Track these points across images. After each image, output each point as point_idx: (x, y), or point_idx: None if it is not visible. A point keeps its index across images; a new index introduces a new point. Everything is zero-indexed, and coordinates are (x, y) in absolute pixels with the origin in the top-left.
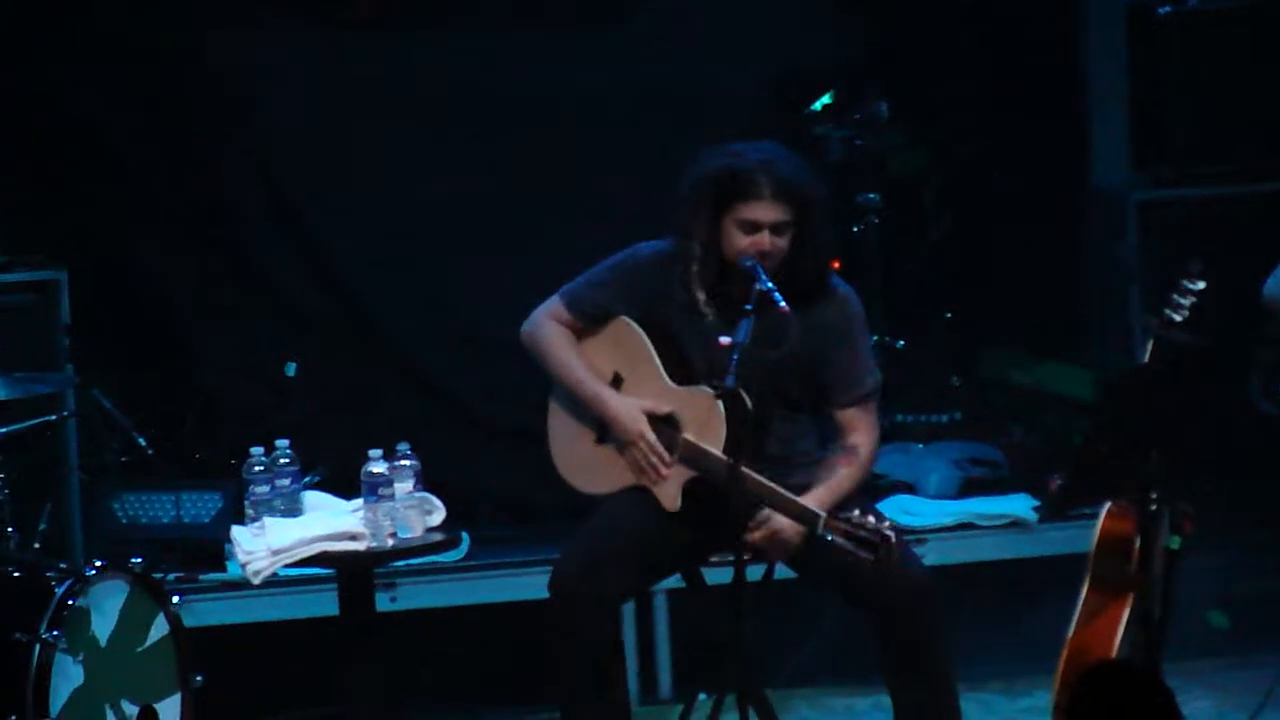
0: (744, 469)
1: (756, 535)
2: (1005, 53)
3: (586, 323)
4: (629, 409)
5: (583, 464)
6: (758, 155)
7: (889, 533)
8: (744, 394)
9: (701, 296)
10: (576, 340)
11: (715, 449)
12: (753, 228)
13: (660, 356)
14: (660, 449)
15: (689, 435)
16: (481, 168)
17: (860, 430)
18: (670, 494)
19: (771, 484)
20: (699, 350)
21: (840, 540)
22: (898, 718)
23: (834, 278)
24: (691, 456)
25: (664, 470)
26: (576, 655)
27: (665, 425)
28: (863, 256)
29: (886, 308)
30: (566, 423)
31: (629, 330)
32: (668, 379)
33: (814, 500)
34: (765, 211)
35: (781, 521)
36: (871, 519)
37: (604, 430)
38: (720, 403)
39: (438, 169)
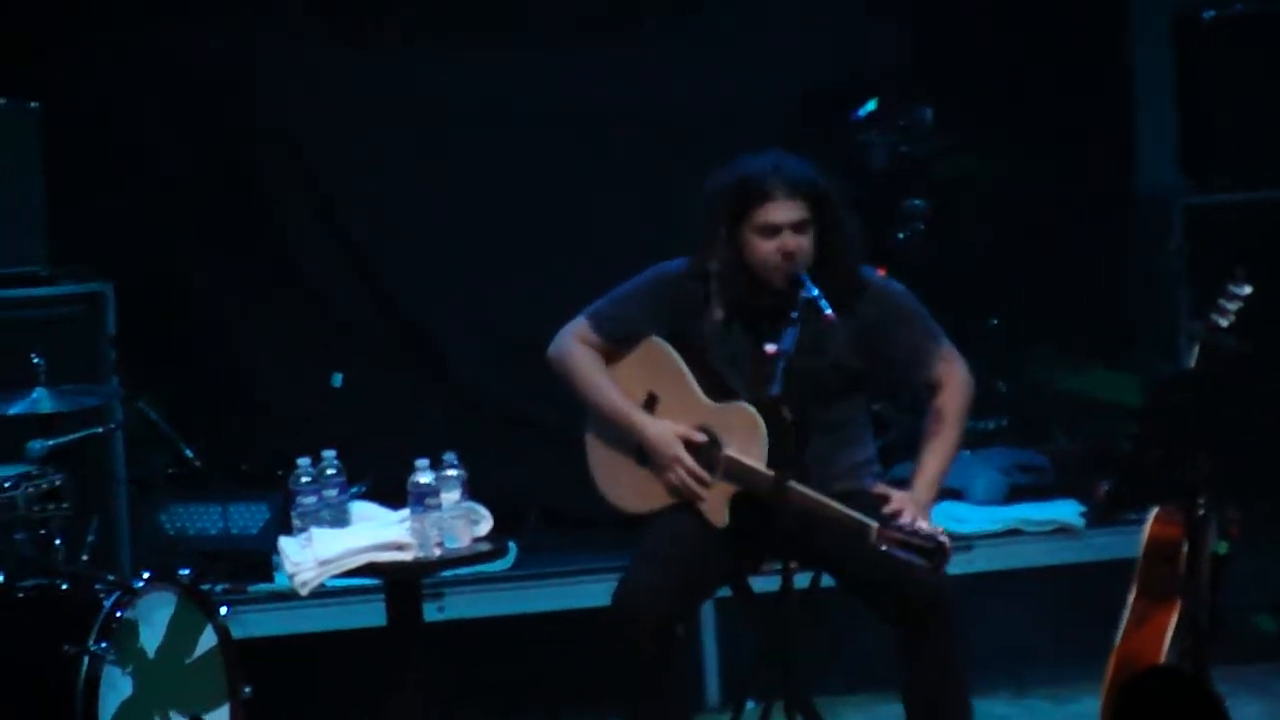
0: (789, 483)
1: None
2: (1050, 58)
3: (614, 344)
4: (664, 433)
5: (626, 485)
6: (764, 161)
7: (943, 539)
8: (783, 405)
9: (721, 314)
10: (605, 362)
11: (759, 464)
12: (773, 231)
13: (697, 373)
14: (699, 470)
15: (731, 451)
16: (528, 177)
17: (945, 380)
18: (717, 511)
19: (818, 495)
20: (730, 366)
21: (895, 550)
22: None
23: (874, 277)
24: (735, 473)
25: (702, 492)
26: (639, 678)
27: (705, 444)
28: (908, 263)
29: (932, 314)
30: (606, 445)
31: (660, 349)
32: (703, 396)
33: (918, 491)
34: (782, 212)
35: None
36: (924, 525)
37: (643, 453)
38: (761, 416)
39: (483, 179)
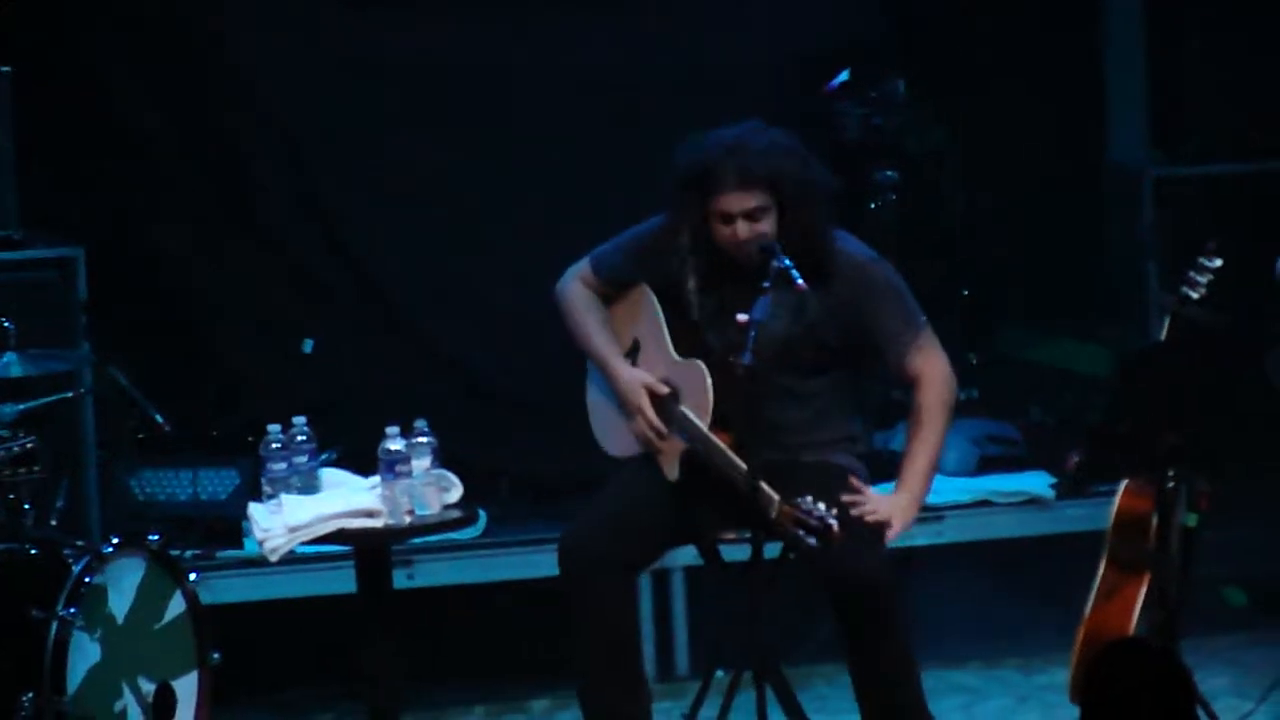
0: (714, 440)
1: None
2: (1022, 28)
3: (610, 287)
4: (632, 380)
5: (610, 426)
6: (724, 143)
7: (832, 520)
8: (752, 373)
9: (695, 283)
10: (603, 304)
11: (704, 421)
12: (728, 219)
13: (673, 328)
14: (656, 422)
15: (685, 407)
16: (499, 146)
17: (925, 375)
18: (670, 465)
19: (736, 460)
20: (710, 328)
21: (789, 527)
22: (862, 707)
23: (852, 244)
24: (684, 429)
25: (658, 443)
26: (590, 624)
27: (668, 398)
28: (880, 234)
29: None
30: (600, 386)
31: (646, 299)
32: (673, 350)
33: (910, 484)
34: (734, 202)
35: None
36: (822, 506)
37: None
38: (709, 375)
39: (455, 147)
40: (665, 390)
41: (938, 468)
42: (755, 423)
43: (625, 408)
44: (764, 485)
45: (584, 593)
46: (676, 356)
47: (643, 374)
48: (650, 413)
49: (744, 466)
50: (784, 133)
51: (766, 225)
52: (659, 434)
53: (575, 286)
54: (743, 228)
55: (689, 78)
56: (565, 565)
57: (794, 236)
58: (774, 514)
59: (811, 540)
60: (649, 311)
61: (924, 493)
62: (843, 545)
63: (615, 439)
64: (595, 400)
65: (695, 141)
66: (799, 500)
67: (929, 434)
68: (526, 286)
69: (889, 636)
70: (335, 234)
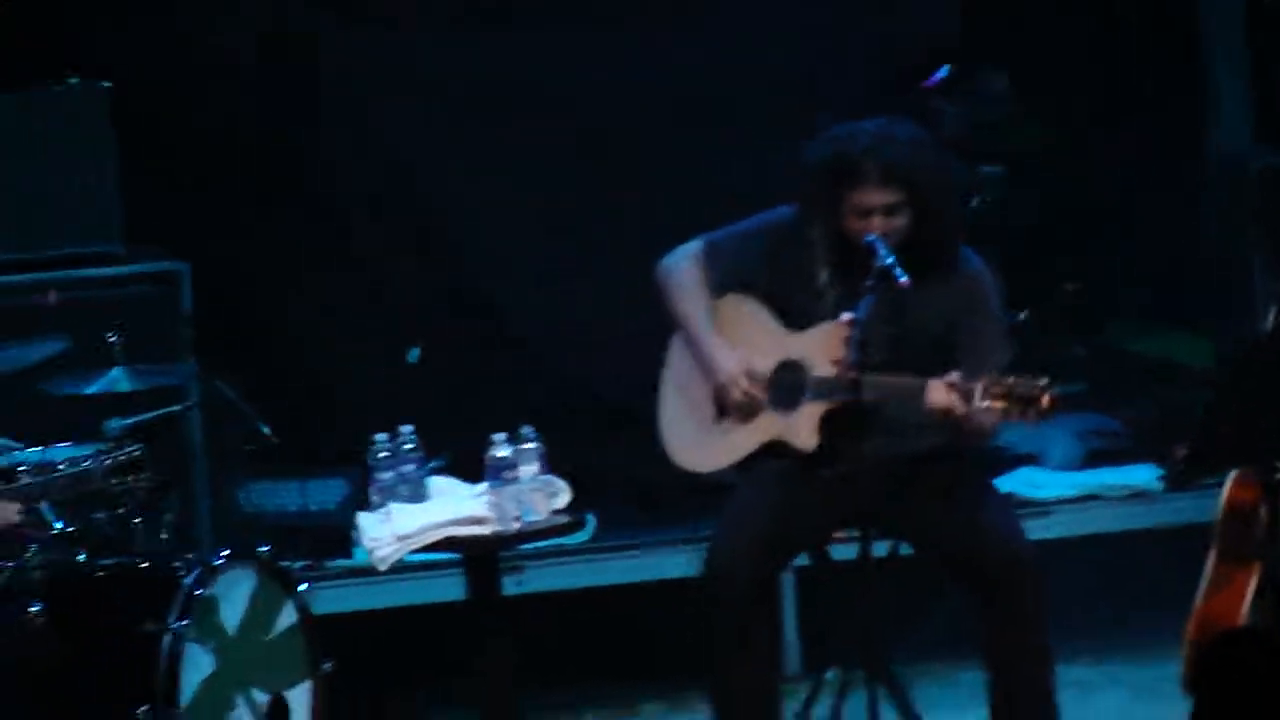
0: (864, 374)
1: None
2: (1123, 21)
3: (719, 274)
4: (730, 354)
5: (699, 442)
6: (865, 138)
7: (1044, 381)
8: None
9: (824, 275)
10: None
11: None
12: (865, 213)
13: (788, 320)
14: (752, 391)
15: (816, 373)
16: (597, 152)
17: None
18: (804, 434)
19: (904, 378)
20: (822, 317)
21: (1000, 404)
22: (993, 693)
23: (968, 253)
24: (822, 389)
25: (764, 423)
26: (732, 640)
27: (786, 370)
28: (983, 229)
29: (1008, 280)
30: (681, 399)
31: (742, 301)
32: (787, 331)
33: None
34: (874, 197)
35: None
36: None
37: (720, 409)
38: (839, 327)
39: (552, 152)
40: (782, 357)
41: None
42: (867, 422)
43: (719, 379)
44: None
45: (735, 606)
46: (793, 332)
47: (742, 353)
48: (745, 381)
49: (914, 379)
50: (923, 129)
51: (901, 221)
52: (753, 400)
53: (684, 265)
54: (879, 223)
55: (780, 76)
56: (715, 582)
57: (927, 232)
58: (979, 398)
59: (1025, 410)
60: (751, 309)
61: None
62: (998, 523)
63: (702, 451)
64: (673, 415)
65: (834, 133)
66: (997, 378)
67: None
68: (628, 290)
69: (1037, 621)
70: (437, 243)
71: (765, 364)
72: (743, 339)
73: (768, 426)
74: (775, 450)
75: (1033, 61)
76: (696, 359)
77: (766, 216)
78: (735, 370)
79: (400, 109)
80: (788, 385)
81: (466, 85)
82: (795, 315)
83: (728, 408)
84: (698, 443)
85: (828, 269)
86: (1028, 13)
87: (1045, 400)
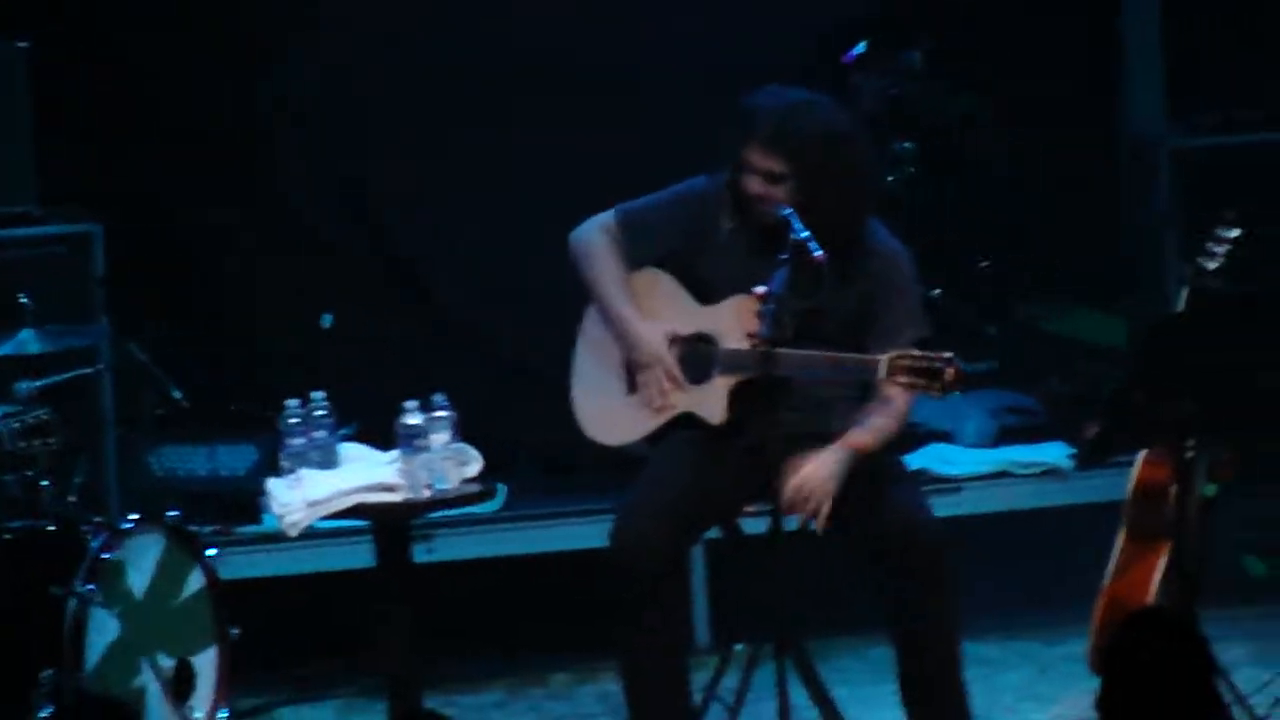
0: (776, 349)
1: (787, 491)
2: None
3: (629, 248)
4: (651, 331)
5: (610, 414)
6: (774, 101)
7: (949, 355)
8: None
9: (729, 224)
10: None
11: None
12: (750, 169)
13: (690, 289)
14: (675, 373)
15: (727, 345)
16: (522, 119)
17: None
18: (713, 408)
19: (821, 352)
20: (732, 290)
21: (907, 379)
22: (901, 668)
23: (886, 233)
24: (733, 363)
25: (672, 396)
26: (640, 611)
27: (697, 343)
28: (898, 206)
29: (921, 257)
30: (593, 371)
31: (656, 275)
32: (696, 302)
33: (849, 441)
34: (757, 157)
35: (804, 469)
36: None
37: (630, 381)
38: (750, 302)
39: (476, 121)
40: (694, 329)
41: (871, 456)
42: (776, 395)
43: (641, 358)
44: (856, 355)
45: (644, 577)
46: (704, 306)
47: (662, 324)
48: (671, 360)
49: (828, 352)
50: (844, 116)
51: (781, 192)
52: (676, 384)
53: (596, 235)
54: (756, 183)
55: (706, 50)
56: (623, 553)
57: (819, 216)
58: (884, 372)
59: (932, 383)
60: (664, 283)
61: (839, 464)
62: (902, 499)
63: (613, 423)
64: (586, 387)
65: (767, 91)
66: (904, 353)
67: (882, 423)
68: (545, 258)
69: (942, 598)
70: (357, 206)
71: (678, 335)
72: (654, 311)
73: (678, 399)
74: (686, 423)
75: (951, 38)
76: (612, 331)
77: (680, 188)
78: (660, 349)
79: (330, 70)
80: (698, 358)
81: (393, 48)
82: (706, 288)
83: (642, 382)
84: (609, 415)
85: (740, 241)
86: None
87: (949, 373)
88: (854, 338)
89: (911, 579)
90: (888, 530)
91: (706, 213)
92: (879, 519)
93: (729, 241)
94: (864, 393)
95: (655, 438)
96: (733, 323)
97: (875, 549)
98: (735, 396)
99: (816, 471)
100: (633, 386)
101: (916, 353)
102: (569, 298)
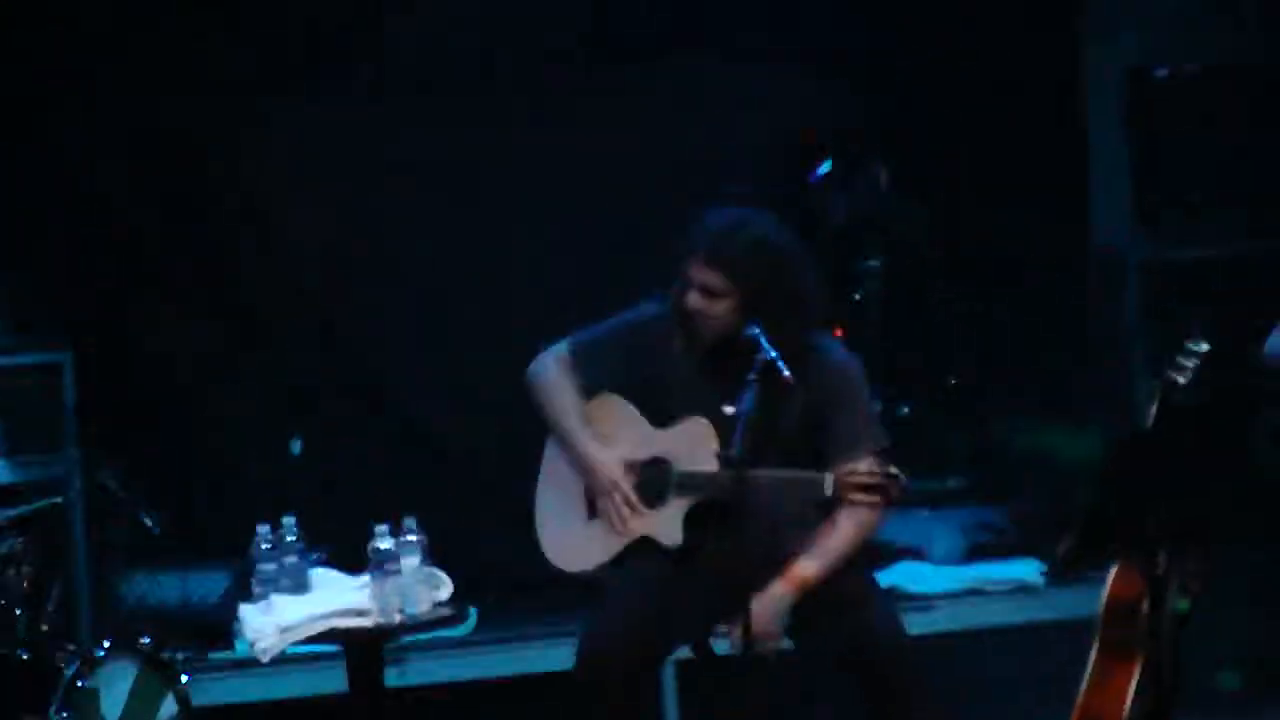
0: (740, 469)
1: (735, 637)
2: (1005, 115)
3: (584, 379)
4: (607, 458)
5: (573, 542)
6: (718, 219)
7: (894, 471)
8: (744, 467)
9: (680, 345)
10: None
11: (709, 467)
12: (690, 286)
13: (652, 412)
14: (632, 498)
15: (682, 467)
16: (490, 234)
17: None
18: (670, 531)
19: (769, 471)
20: (694, 411)
21: (854, 495)
22: None
23: (833, 345)
24: (688, 484)
25: (632, 522)
26: None
27: (652, 467)
28: (865, 322)
29: (890, 373)
30: (555, 499)
31: (614, 401)
32: (651, 426)
33: (792, 576)
34: (696, 271)
35: (752, 613)
36: (875, 465)
37: (592, 507)
38: (709, 423)
39: (450, 236)
40: (649, 454)
41: (820, 580)
42: (747, 514)
43: (598, 485)
44: (806, 472)
45: (609, 698)
46: (659, 430)
47: (618, 451)
48: (627, 487)
49: (779, 471)
50: (784, 234)
51: (720, 308)
52: (633, 508)
53: (551, 366)
54: (694, 298)
55: (680, 162)
56: (588, 673)
57: (764, 332)
58: (829, 489)
59: (877, 498)
60: (620, 409)
61: (785, 595)
62: (873, 612)
63: (576, 551)
64: (548, 516)
65: (711, 210)
66: (850, 469)
67: (833, 544)
68: (515, 378)
69: (921, 708)
70: (325, 331)
71: (634, 460)
72: (612, 436)
73: (636, 524)
74: (646, 547)
75: (915, 152)
76: (570, 460)
77: (630, 314)
78: (616, 475)
79: (283, 195)
80: (653, 481)
81: (361, 160)
82: (661, 410)
83: (601, 509)
84: (572, 542)
85: (690, 362)
86: (910, 103)
87: (894, 489)
88: (800, 452)
89: (885, 694)
90: (867, 652)
91: (657, 335)
92: (850, 636)
93: (680, 363)
94: (820, 508)
95: (617, 562)
96: (686, 445)
97: (848, 665)
98: (691, 518)
99: (761, 614)
100: (594, 513)
101: (862, 468)
102: (539, 420)
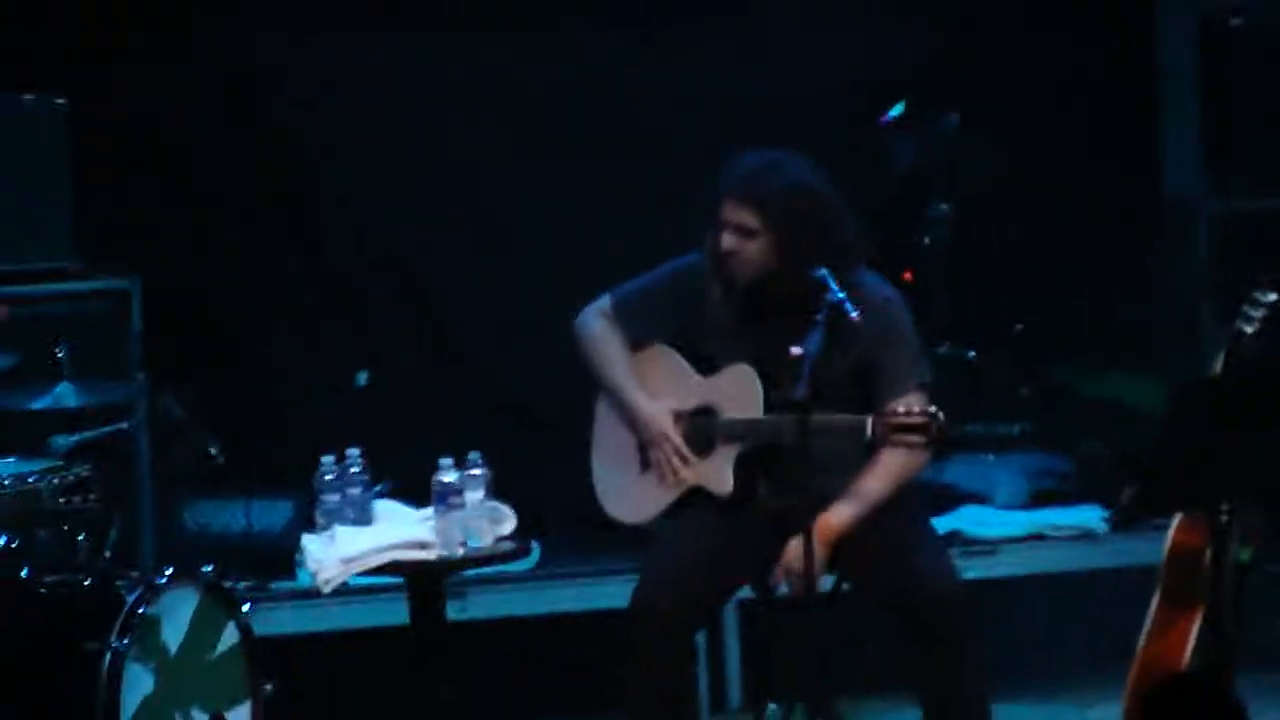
0: (774, 418)
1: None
2: (1078, 62)
3: (628, 331)
4: (656, 410)
5: (627, 494)
6: (755, 159)
7: (933, 409)
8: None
9: (719, 292)
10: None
11: (755, 414)
12: (723, 227)
13: (689, 361)
14: (683, 449)
15: (726, 416)
16: (558, 175)
17: None
18: (720, 479)
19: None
20: (728, 359)
21: (894, 436)
22: None
23: (877, 280)
24: (734, 432)
25: (683, 471)
26: (652, 683)
27: (700, 415)
28: (933, 268)
29: (957, 319)
30: (609, 452)
31: (659, 351)
32: (696, 374)
33: (835, 513)
34: (729, 210)
35: (784, 554)
36: (915, 406)
37: (645, 459)
38: (753, 370)
39: (516, 175)
40: (695, 403)
41: (860, 519)
42: (808, 457)
43: (647, 436)
44: (848, 416)
45: (653, 655)
46: (704, 378)
47: (664, 402)
48: (677, 438)
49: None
50: (815, 172)
51: (753, 248)
52: (683, 459)
53: (595, 320)
54: (728, 239)
55: (741, 106)
56: (637, 630)
57: (789, 267)
58: (871, 433)
59: (918, 438)
60: (667, 359)
61: (830, 531)
62: (922, 560)
63: (630, 503)
64: (605, 468)
65: (743, 153)
66: (890, 410)
67: (872, 483)
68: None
69: (967, 661)
70: (392, 264)
71: (682, 410)
72: (660, 387)
73: (686, 474)
74: (696, 496)
75: (987, 98)
76: (620, 413)
77: (669, 266)
78: (665, 427)
79: (365, 125)
80: (702, 431)
81: (431, 99)
82: (706, 358)
83: (653, 460)
84: (625, 494)
85: (730, 308)
86: (981, 48)
87: (934, 428)
88: (859, 393)
89: (931, 640)
90: (914, 594)
91: (697, 286)
92: (905, 582)
93: (720, 310)
94: (868, 449)
95: (670, 513)
96: (732, 392)
97: (895, 609)
98: (740, 465)
99: (792, 557)
100: (646, 464)
101: (901, 409)
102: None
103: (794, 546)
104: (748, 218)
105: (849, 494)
